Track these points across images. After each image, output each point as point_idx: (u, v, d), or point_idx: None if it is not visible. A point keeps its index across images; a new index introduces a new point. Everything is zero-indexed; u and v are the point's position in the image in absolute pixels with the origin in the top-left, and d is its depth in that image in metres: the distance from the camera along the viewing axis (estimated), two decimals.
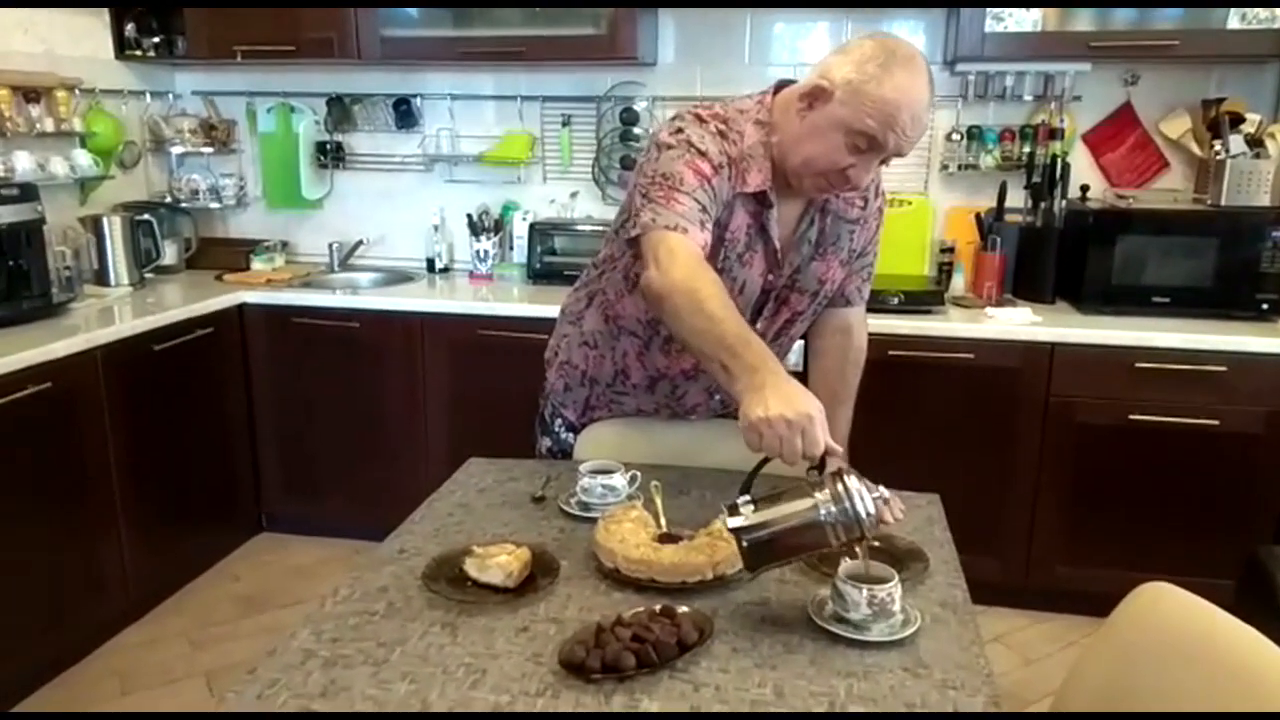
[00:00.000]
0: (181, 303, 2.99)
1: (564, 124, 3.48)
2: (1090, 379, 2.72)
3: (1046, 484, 2.83)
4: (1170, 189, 3.13)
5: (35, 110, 2.91)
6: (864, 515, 1.24)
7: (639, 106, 3.39)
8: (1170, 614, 1.20)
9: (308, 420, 3.27)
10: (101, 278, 3.10)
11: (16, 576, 2.39)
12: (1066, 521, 2.84)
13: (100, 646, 2.72)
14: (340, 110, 3.60)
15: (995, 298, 3.04)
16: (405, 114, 3.56)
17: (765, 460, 1.34)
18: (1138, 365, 2.67)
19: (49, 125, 2.95)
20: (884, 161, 1.55)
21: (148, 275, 3.27)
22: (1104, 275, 2.87)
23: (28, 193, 2.67)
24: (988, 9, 2.82)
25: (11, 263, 2.63)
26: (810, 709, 1.12)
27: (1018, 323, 2.79)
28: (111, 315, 2.83)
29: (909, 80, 1.46)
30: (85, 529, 2.61)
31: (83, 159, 3.07)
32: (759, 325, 1.78)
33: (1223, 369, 2.63)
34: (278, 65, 3.43)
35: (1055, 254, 3.04)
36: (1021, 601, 2.94)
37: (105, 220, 3.09)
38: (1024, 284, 3.10)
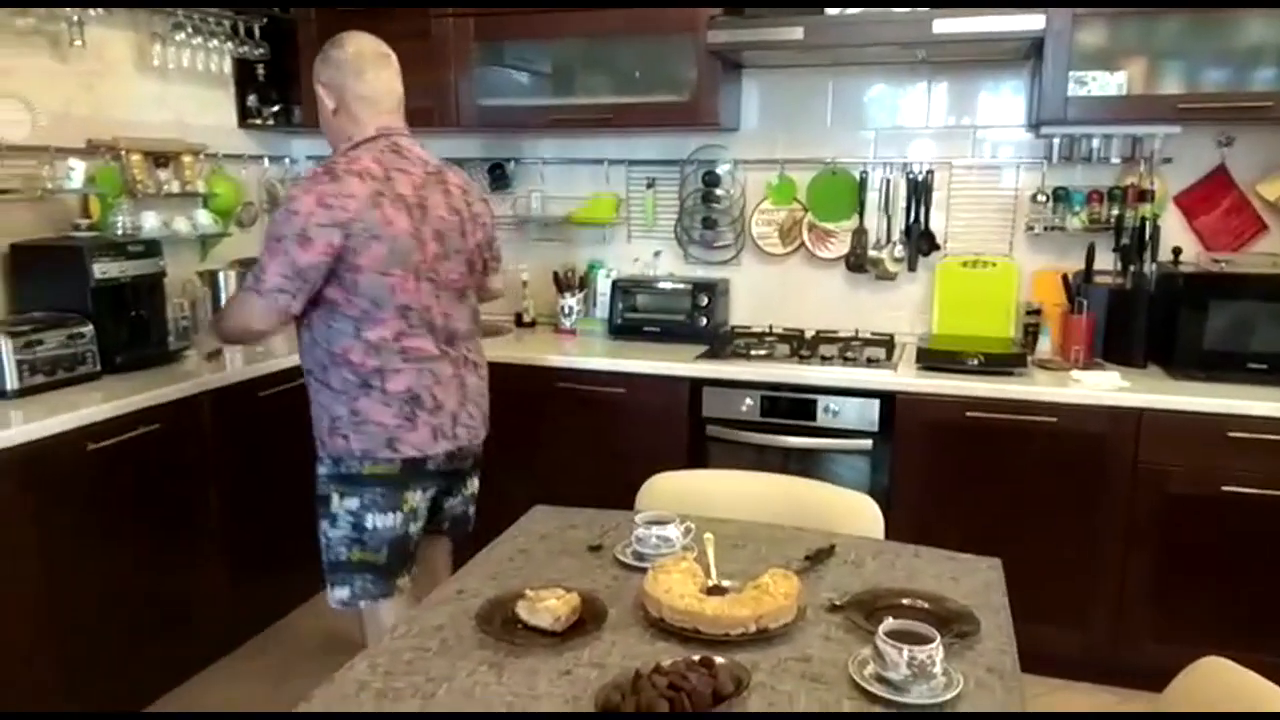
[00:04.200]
0: (287, 353, 3.16)
1: (649, 186, 3.59)
2: (1181, 447, 2.62)
3: (1135, 555, 2.72)
4: (1270, 253, 3.02)
5: (164, 174, 3.18)
6: None
7: (721, 169, 3.48)
8: (1225, 690, 1.16)
9: None
10: None
11: (122, 605, 2.56)
12: (1157, 596, 2.71)
13: (190, 679, 2.86)
14: None
15: (1083, 361, 2.97)
16: (499, 177, 3.73)
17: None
18: (1231, 434, 2.56)
19: (175, 187, 3.21)
20: None
21: None
22: (1196, 340, 2.78)
23: (152, 248, 2.90)
24: (1070, 73, 2.81)
25: (134, 313, 2.86)
26: None
27: (1104, 387, 2.72)
28: (222, 363, 3.02)
29: None
30: (184, 564, 2.78)
31: (204, 218, 3.32)
32: None
33: None
34: None
35: (1146, 317, 2.96)
36: (1108, 678, 2.81)
37: (221, 274, 3.32)
38: (1114, 347, 3.02)
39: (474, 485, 2.54)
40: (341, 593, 2.28)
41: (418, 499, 2.27)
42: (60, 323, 2.62)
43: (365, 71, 2.19)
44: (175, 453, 2.70)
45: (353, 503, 2.21)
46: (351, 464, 2.18)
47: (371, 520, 2.21)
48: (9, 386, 2.47)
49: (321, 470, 2.25)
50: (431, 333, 2.21)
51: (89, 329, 2.66)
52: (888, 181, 3.34)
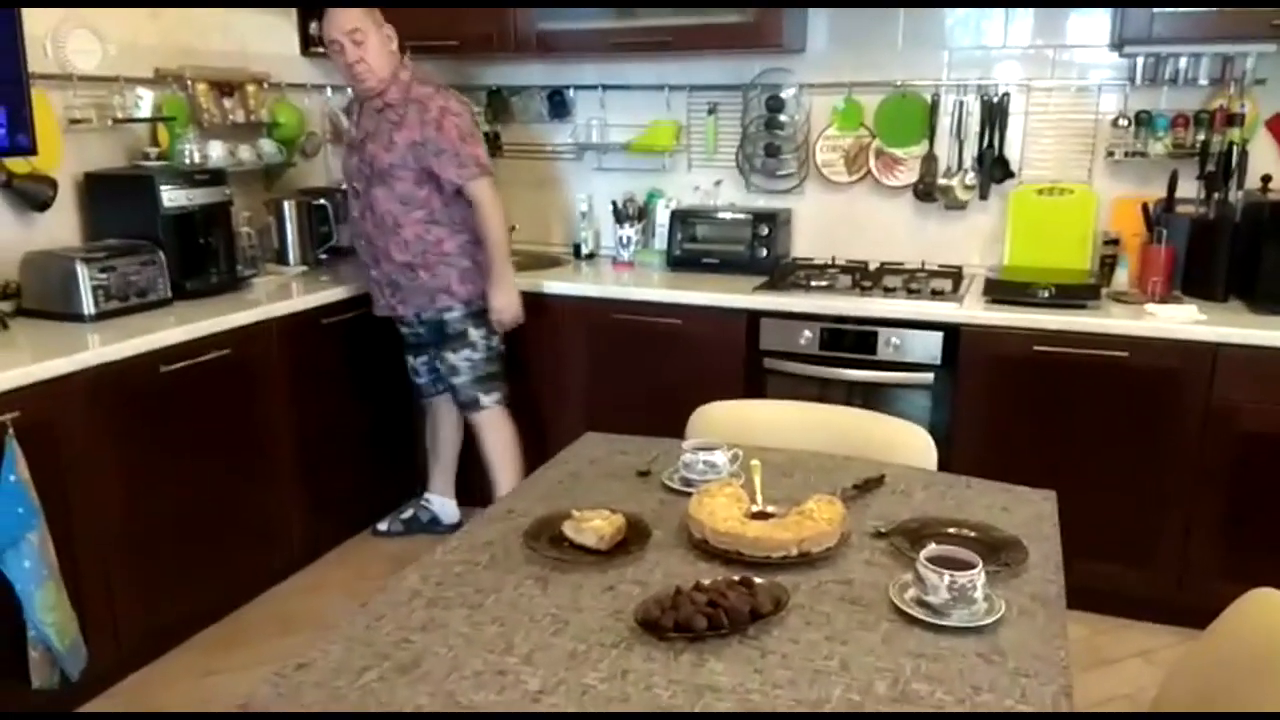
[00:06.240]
0: (349, 281, 3.22)
1: (710, 112, 3.52)
2: (1258, 384, 2.52)
3: (1205, 493, 2.64)
4: None
5: (229, 103, 3.22)
6: None
7: (786, 94, 3.39)
8: (1275, 622, 1.13)
9: None
10: (281, 257, 3.39)
11: (196, 521, 2.68)
12: (1227, 535, 2.64)
13: (267, 590, 3.00)
14: (500, 102, 3.78)
15: (1160, 294, 2.85)
16: (558, 104, 3.70)
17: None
18: None
19: (240, 116, 3.25)
20: (354, 61, 2.81)
21: (322, 256, 3.53)
22: None
23: (218, 177, 2.96)
24: None
25: (202, 240, 2.93)
26: (872, 683, 1.12)
27: (1179, 320, 2.62)
28: (288, 291, 3.08)
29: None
30: (258, 482, 2.88)
31: (268, 147, 3.37)
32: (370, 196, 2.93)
33: None
34: (443, 60, 3.63)
35: (1229, 249, 2.82)
36: (1172, 618, 2.75)
37: (286, 204, 3.37)
38: (1194, 280, 2.90)
39: None
40: (496, 395, 3.06)
41: None
42: (133, 250, 2.70)
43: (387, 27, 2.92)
44: (245, 375, 2.78)
45: (483, 330, 3.00)
46: (477, 302, 2.95)
47: (495, 341, 3.05)
48: (86, 311, 2.57)
49: (455, 314, 2.96)
50: None
51: (160, 256, 2.74)
52: (960, 105, 3.22)
